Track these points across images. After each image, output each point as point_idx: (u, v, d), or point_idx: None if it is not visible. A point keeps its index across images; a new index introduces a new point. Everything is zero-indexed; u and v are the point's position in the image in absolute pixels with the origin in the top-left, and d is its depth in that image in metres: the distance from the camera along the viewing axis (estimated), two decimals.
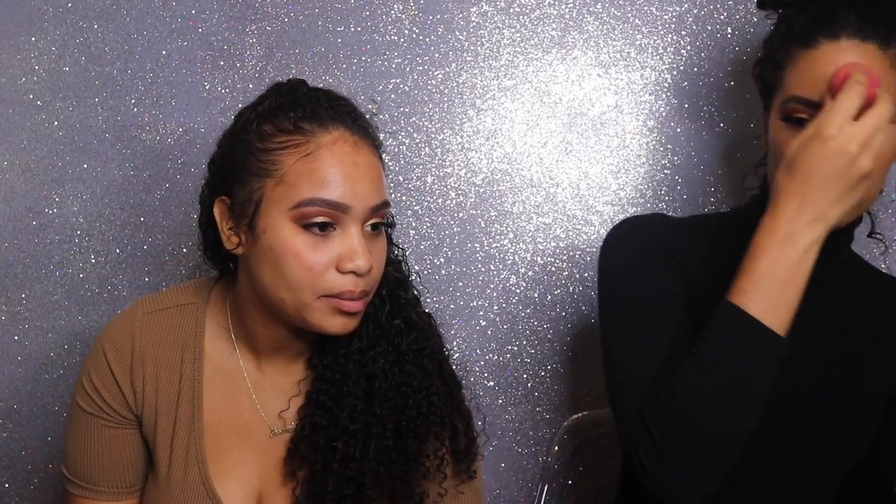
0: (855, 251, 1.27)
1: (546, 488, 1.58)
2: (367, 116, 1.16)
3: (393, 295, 1.18)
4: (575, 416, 1.52)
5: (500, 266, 1.60)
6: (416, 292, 1.24)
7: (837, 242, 1.14)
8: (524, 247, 1.60)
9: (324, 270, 1.05)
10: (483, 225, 1.60)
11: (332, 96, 1.13)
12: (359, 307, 1.07)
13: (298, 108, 1.08)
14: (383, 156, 1.15)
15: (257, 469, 1.18)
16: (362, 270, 1.05)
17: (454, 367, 1.58)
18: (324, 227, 1.05)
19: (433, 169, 1.60)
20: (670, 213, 1.58)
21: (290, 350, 1.18)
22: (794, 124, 1.09)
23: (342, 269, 1.05)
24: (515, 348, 1.60)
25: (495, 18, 1.60)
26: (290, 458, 1.17)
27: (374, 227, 1.09)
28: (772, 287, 1.01)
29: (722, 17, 1.58)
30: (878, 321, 1.21)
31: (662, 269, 1.15)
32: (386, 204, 1.10)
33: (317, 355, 1.19)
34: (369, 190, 1.06)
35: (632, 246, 1.17)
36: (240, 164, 1.09)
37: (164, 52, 1.59)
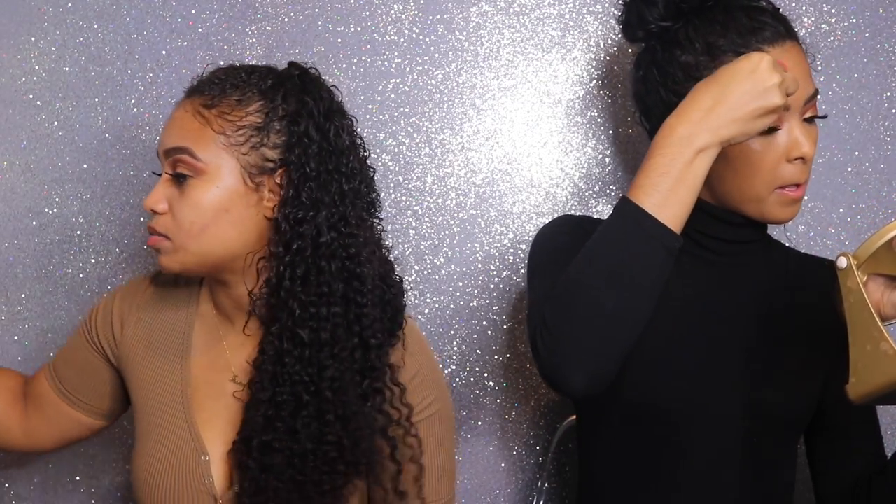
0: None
1: (546, 488, 1.58)
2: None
3: (290, 314, 1.17)
4: (575, 416, 1.52)
5: (500, 266, 1.60)
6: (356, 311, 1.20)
7: (756, 228, 1.27)
8: (524, 247, 1.60)
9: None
10: (483, 225, 1.60)
11: (232, 72, 1.22)
12: (153, 242, 1.19)
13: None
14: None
15: (231, 424, 1.23)
16: (146, 207, 1.18)
17: (454, 367, 1.59)
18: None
19: (433, 169, 1.60)
20: None
21: (241, 314, 1.23)
22: (766, 133, 1.18)
23: None
24: (515, 348, 1.60)
25: (495, 18, 1.60)
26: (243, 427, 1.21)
27: (174, 176, 1.17)
28: (664, 183, 1.07)
29: None
30: (809, 299, 1.29)
31: (581, 239, 1.25)
32: (175, 150, 1.17)
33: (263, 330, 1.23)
34: (165, 136, 1.19)
35: (556, 225, 1.32)
36: None
37: (164, 52, 1.59)
